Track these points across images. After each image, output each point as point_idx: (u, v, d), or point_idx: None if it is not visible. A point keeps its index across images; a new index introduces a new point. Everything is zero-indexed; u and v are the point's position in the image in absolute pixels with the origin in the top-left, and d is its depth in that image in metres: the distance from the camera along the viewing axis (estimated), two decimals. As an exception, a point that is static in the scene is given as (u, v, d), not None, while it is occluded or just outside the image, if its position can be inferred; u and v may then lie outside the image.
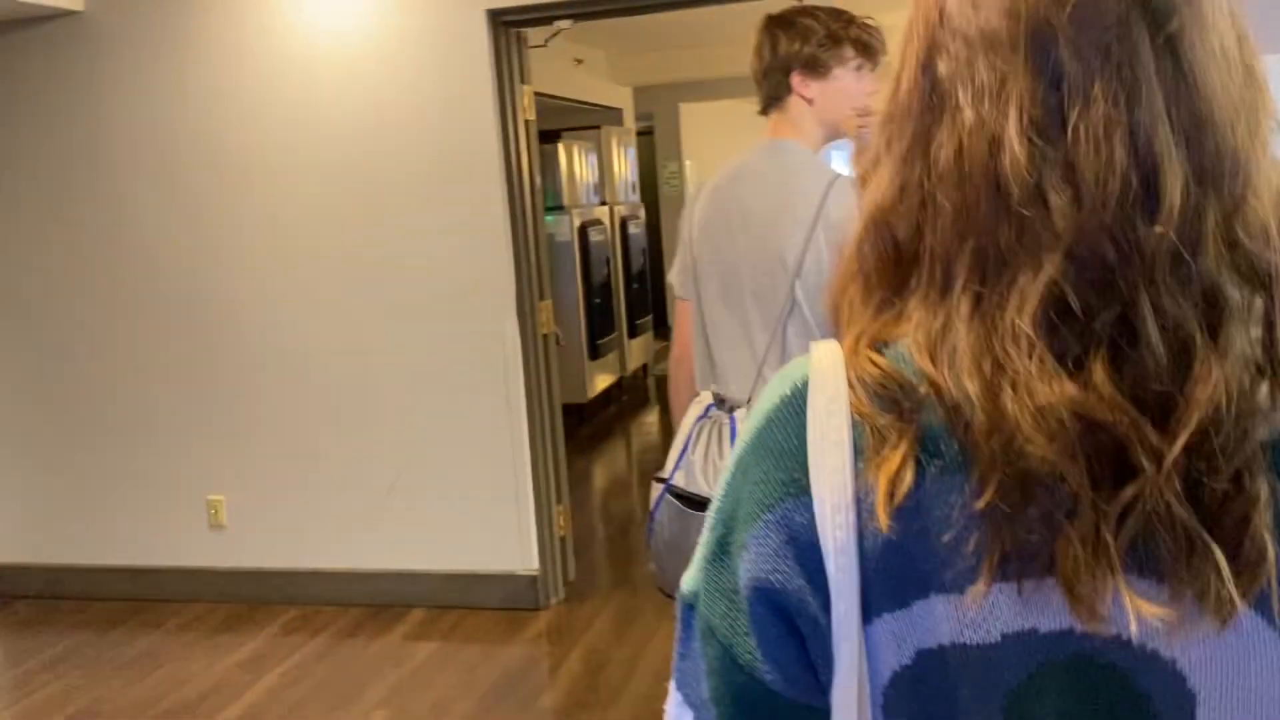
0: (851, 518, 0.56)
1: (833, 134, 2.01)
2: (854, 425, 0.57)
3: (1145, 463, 0.51)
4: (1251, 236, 0.54)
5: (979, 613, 0.55)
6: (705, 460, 1.93)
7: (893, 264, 0.60)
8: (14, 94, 4.08)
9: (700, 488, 1.91)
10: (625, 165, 8.22)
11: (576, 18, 3.69)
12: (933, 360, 0.56)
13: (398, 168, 3.84)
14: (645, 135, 10.74)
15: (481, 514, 3.89)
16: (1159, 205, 0.53)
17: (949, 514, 0.55)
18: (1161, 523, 0.51)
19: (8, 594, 4.33)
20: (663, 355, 9.63)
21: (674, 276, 2.16)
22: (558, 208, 6.83)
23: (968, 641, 0.56)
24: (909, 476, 0.55)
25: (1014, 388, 0.52)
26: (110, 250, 4.09)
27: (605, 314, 7.29)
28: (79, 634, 3.99)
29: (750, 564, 0.59)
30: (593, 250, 6.99)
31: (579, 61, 7.42)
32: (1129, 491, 0.52)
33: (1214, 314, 0.53)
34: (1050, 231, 0.53)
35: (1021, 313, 0.53)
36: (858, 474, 0.57)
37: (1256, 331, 0.53)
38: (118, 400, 4.16)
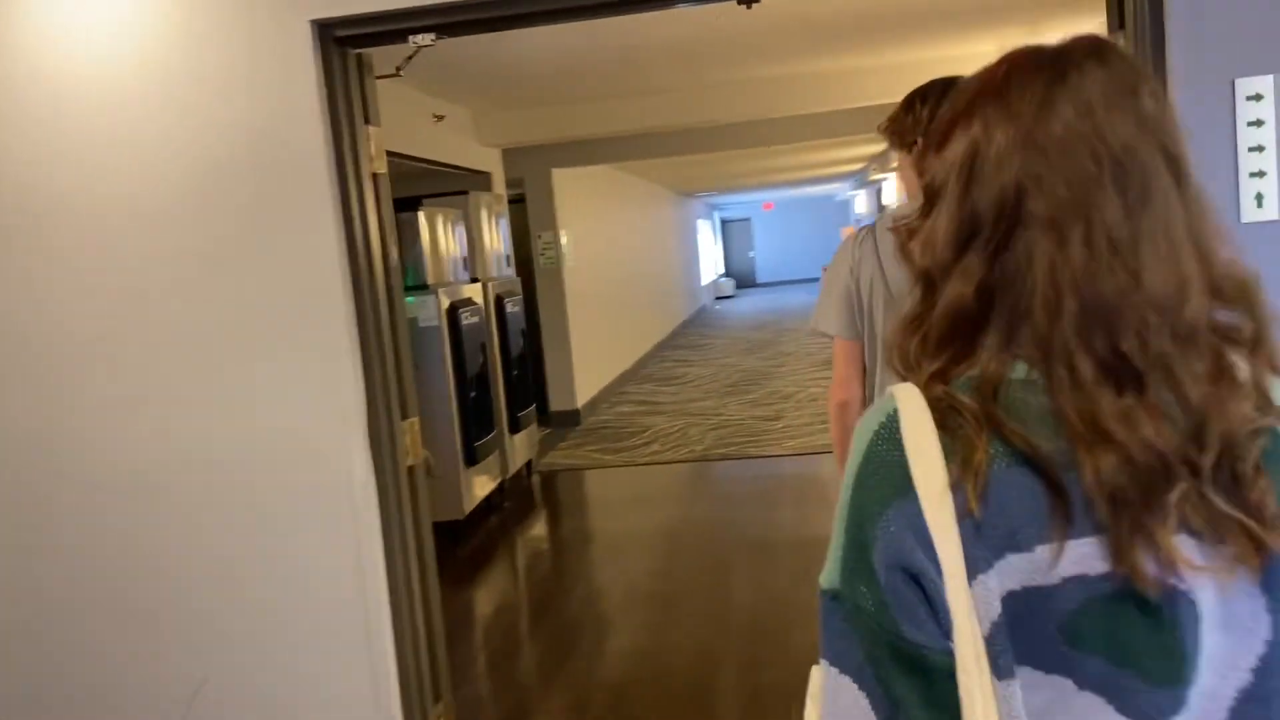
0: (949, 504, 0.81)
1: None
2: (942, 436, 0.83)
3: (1181, 473, 0.79)
4: (1226, 317, 0.84)
5: (1044, 566, 0.80)
6: None
7: (954, 338, 0.86)
8: None
9: None
10: (497, 236, 7.20)
11: (438, 31, 2.67)
12: (1010, 405, 0.82)
13: (197, 234, 2.73)
14: (515, 204, 9.77)
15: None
16: (1189, 294, 0.81)
17: (1009, 496, 0.80)
18: (1205, 509, 0.79)
19: None
20: (549, 446, 8.76)
21: (828, 322, 2.30)
22: (421, 287, 5.75)
23: (1039, 584, 0.80)
24: (984, 469, 0.80)
25: (1096, 434, 0.80)
26: None
27: (483, 410, 6.20)
28: None
29: (882, 550, 0.83)
30: (465, 335, 5.91)
31: (439, 118, 6.40)
32: (1176, 491, 0.79)
33: (1219, 365, 0.82)
34: (1117, 317, 0.82)
35: (1088, 378, 0.82)
36: (948, 472, 0.81)
37: (1247, 373, 0.83)
38: None
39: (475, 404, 6.03)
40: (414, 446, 2.95)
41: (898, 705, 0.83)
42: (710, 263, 26.85)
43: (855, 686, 0.85)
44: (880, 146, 14.75)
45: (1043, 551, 0.79)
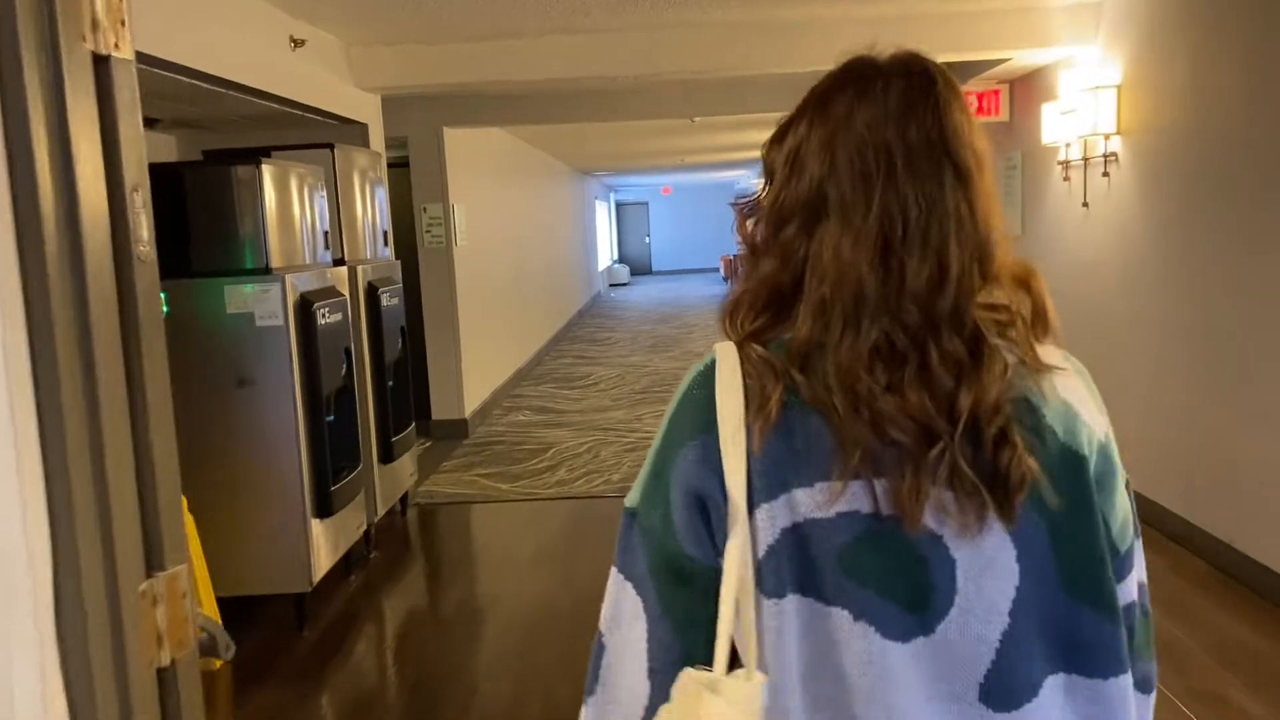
0: (741, 440, 0.96)
1: None
2: (745, 386, 0.97)
3: (941, 436, 0.93)
4: (997, 302, 0.99)
5: (821, 503, 0.95)
6: None
7: (769, 306, 1.01)
8: None
9: None
10: (373, 207, 5.58)
11: None
12: (804, 363, 0.97)
13: None
14: (396, 168, 8.12)
15: None
16: (945, 287, 0.95)
17: (799, 442, 0.95)
18: (954, 469, 0.93)
19: None
20: (431, 466, 6.95)
21: None
22: (261, 271, 4.13)
23: (816, 517, 0.95)
24: (775, 413, 0.95)
25: (878, 397, 0.94)
26: None
27: (344, 439, 4.61)
28: None
29: (678, 476, 0.99)
30: (322, 338, 4.32)
31: (298, 43, 4.76)
32: (934, 451, 0.93)
33: (979, 347, 0.96)
34: (883, 306, 0.95)
35: (864, 352, 0.95)
36: (746, 414, 0.96)
37: (1008, 351, 0.98)
38: None
39: (334, 432, 4.45)
40: (174, 626, 1.40)
41: (667, 610, 1.00)
42: (606, 248, 25.37)
43: (635, 592, 1.01)
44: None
45: (822, 488, 0.95)
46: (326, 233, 4.79)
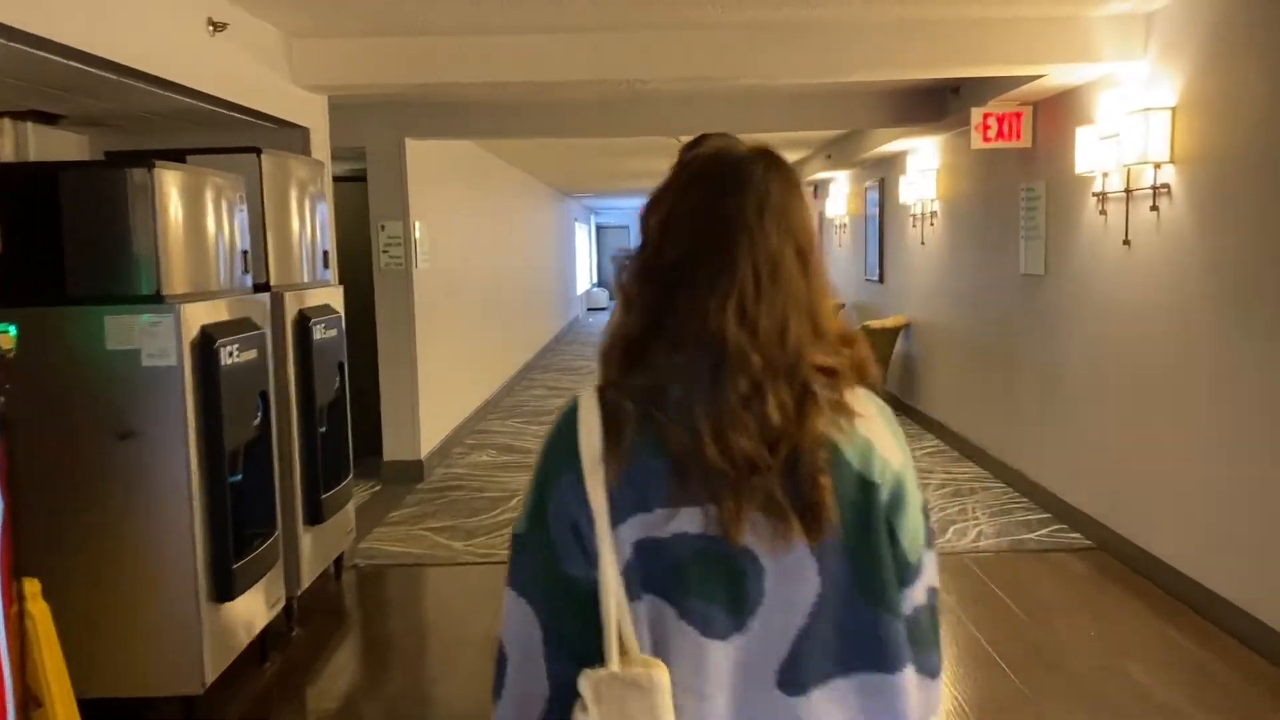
0: (600, 474, 1.13)
1: None
2: (604, 426, 1.14)
3: (763, 469, 1.11)
4: (826, 355, 1.16)
5: (662, 523, 1.12)
6: None
7: (631, 353, 1.18)
8: None
9: None
10: (312, 224, 4.82)
11: None
12: (659, 407, 1.13)
13: None
14: (353, 182, 7.37)
15: None
16: (786, 342, 1.13)
17: (647, 472, 1.13)
18: (769, 497, 1.11)
19: None
20: (377, 515, 5.88)
21: None
22: (151, 298, 3.36)
23: (658, 536, 1.13)
24: (627, 451, 1.13)
25: (716, 435, 1.11)
26: None
27: (255, 499, 3.83)
28: None
29: (553, 506, 1.16)
30: (228, 381, 3.55)
31: (218, 27, 4.00)
32: (756, 480, 1.11)
33: (806, 394, 1.14)
34: (737, 358, 1.12)
35: (708, 395, 1.13)
36: (605, 452, 1.13)
37: (830, 401, 1.15)
38: None
39: (241, 495, 3.67)
40: None
41: (555, 619, 1.16)
42: (584, 270, 24.64)
43: (526, 604, 1.17)
44: (794, 155, 12.89)
45: (662, 513, 1.13)
46: (246, 253, 4.02)
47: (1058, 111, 5.92)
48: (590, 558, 1.14)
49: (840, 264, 12.62)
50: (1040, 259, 6.13)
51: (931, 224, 8.48)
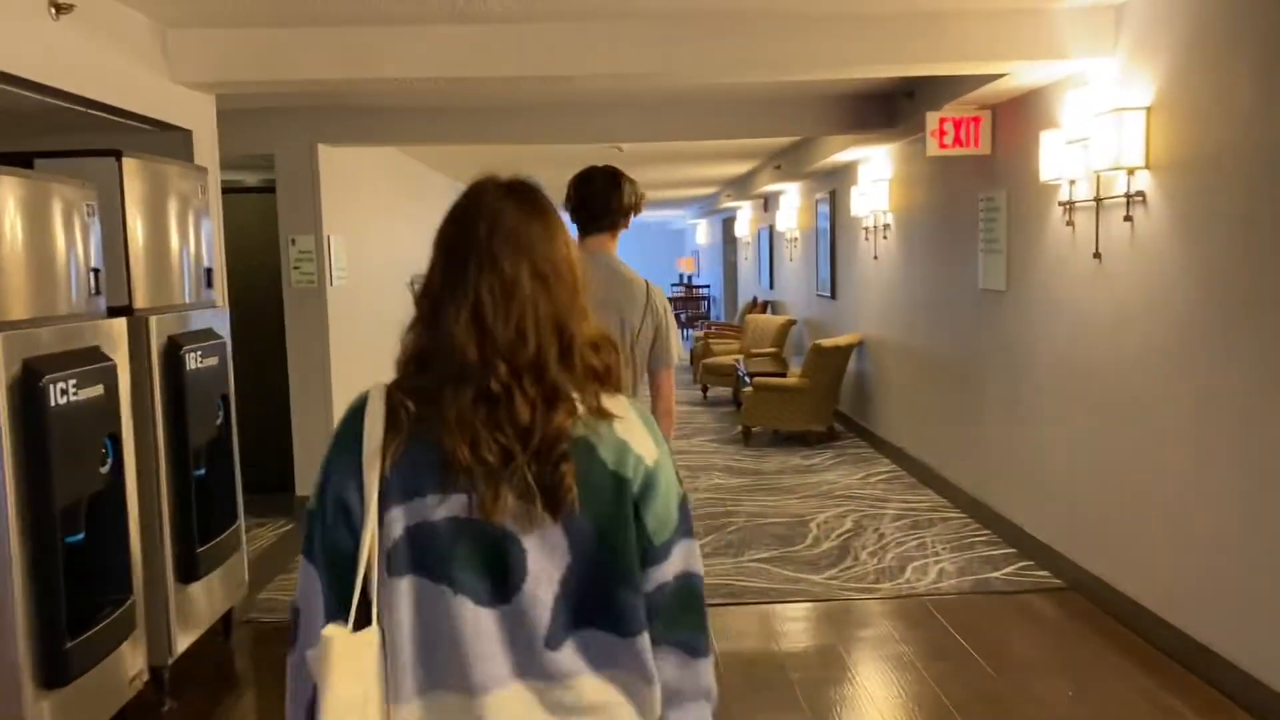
0: (377, 461, 1.31)
1: None
2: (387, 420, 1.33)
3: (519, 459, 1.30)
4: (575, 361, 1.35)
5: (432, 509, 1.31)
6: None
7: (415, 361, 1.37)
8: None
9: None
10: (194, 237, 4.25)
11: None
12: (432, 405, 1.32)
13: None
14: (260, 193, 6.81)
15: None
16: (525, 350, 1.32)
17: (419, 463, 1.31)
18: (523, 483, 1.30)
19: None
20: (283, 558, 4.76)
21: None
22: (-41, 327, 2.78)
23: (427, 520, 1.31)
24: (404, 442, 1.31)
25: (468, 431, 1.30)
26: None
27: (100, 562, 3.26)
28: None
29: (332, 486, 1.35)
30: (60, 423, 2.98)
31: (60, 9, 3.43)
32: (511, 469, 1.30)
33: (555, 394, 1.32)
34: (476, 367, 1.32)
35: (468, 396, 1.32)
36: (384, 443, 1.32)
37: (583, 399, 1.35)
38: None
39: (80, 559, 3.09)
40: None
41: (332, 584, 1.35)
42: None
43: (312, 569, 1.37)
44: (743, 168, 12.48)
45: (433, 499, 1.32)
46: (98, 272, 3.45)
47: (1019, 115, 5.51)
48: (356, 534, 1.33)
49: (790, 279, 12.20)
50: (1001, 273, 5.71)
51: (885, 237, 8.06)
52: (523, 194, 1.40)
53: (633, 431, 1.38)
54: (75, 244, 3.34)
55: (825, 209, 9.98)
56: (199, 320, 4.19)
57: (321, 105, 6.41)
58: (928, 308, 7.12)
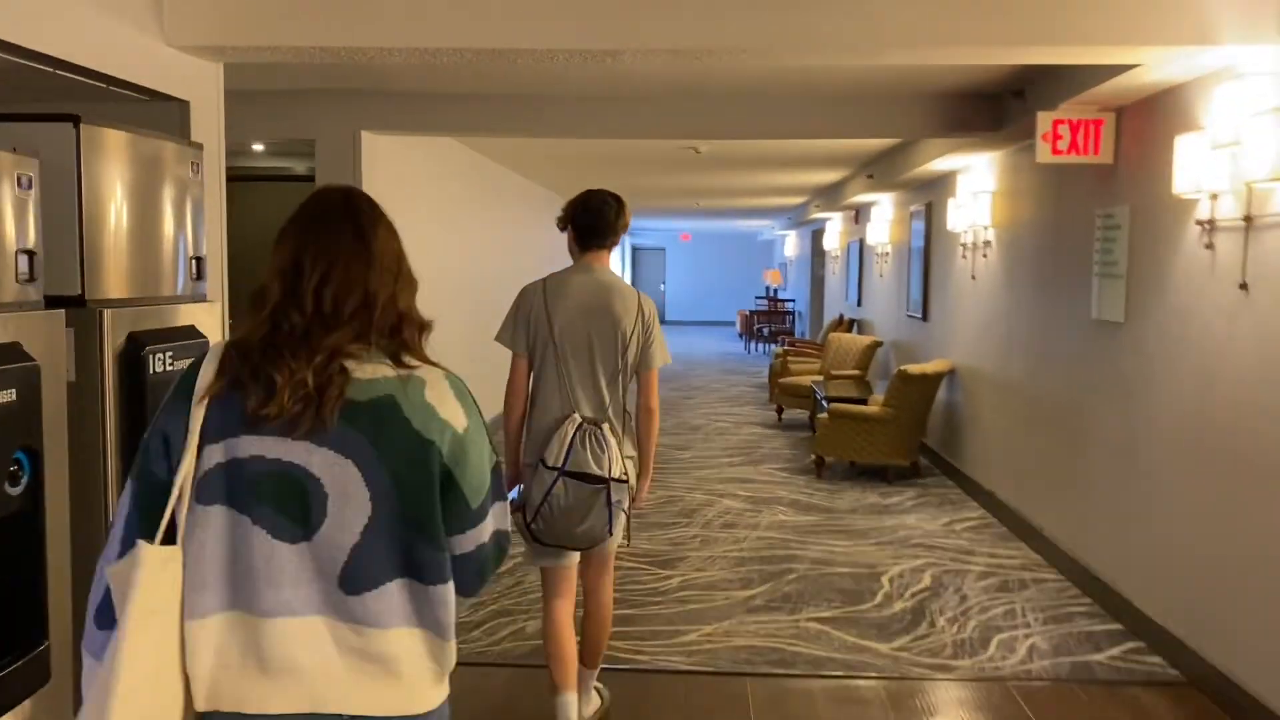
0: (203, 404, 1.50)
1: None
2: (216, 370, 1.54)
3: (302, 373, 1.52)
4: (374, 318, 1.58)
5: (243, 447, 1.49)
6: (589, 452, 3.24)
7: (253, 313, 1.59)
8: None
9: (591, 469, 3.23)
10: (182, 220, 3.72)
11: None
12: (250, 358, 1.53)
13: None
14: (307, 182, 6.31)
15: None
16: (325, 296, 1.56)
17: (234, 404, 1.50)
18: (301, 386, 1.50)
19: None
20: None
21: (507, 338, 3.49)
22: None
23: (236, 456, 1.49)
24: (221, 388, 1.51)
25: (257, 357, 1.53)
26: None
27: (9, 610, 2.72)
28: None
29: (161, 418, 1.55)
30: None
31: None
32: (294, 382, 1.50)
33: (341, 328, 1.57)
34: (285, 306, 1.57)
35: (266, 333, 1.57)
36: (209, 387, 1.52)
37: (385, 354, 1.59)
38: None
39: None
40: None
41: (141, 503, 1.53)
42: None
43: (131, 488, 1.56)
44: (833, 175, 11.71)
45: (243, 439, 1.50)
46: (32, 254, 2.93)
47: (1149, 117, 4.70)
48: (172, 465, 1.51)
49: (879, 297, 11.41)
50: (1119, 303, 4.90)
51: (984, 255, 7.25)
52: (352, 190, 1.70)
53: (444, 400, 1.57)
54: (12, 221, 2.82)
55: (920, 223, 9.18)
56: (184, 316, 3.65)
57: (365, 89, 5.90)
58: (1031, 337, 6.30)
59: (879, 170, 9.46)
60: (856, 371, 10.16)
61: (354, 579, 1.47)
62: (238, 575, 1.47)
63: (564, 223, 3.49)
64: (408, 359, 1.56)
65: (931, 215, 8.86)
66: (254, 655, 1.47)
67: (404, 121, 6.10)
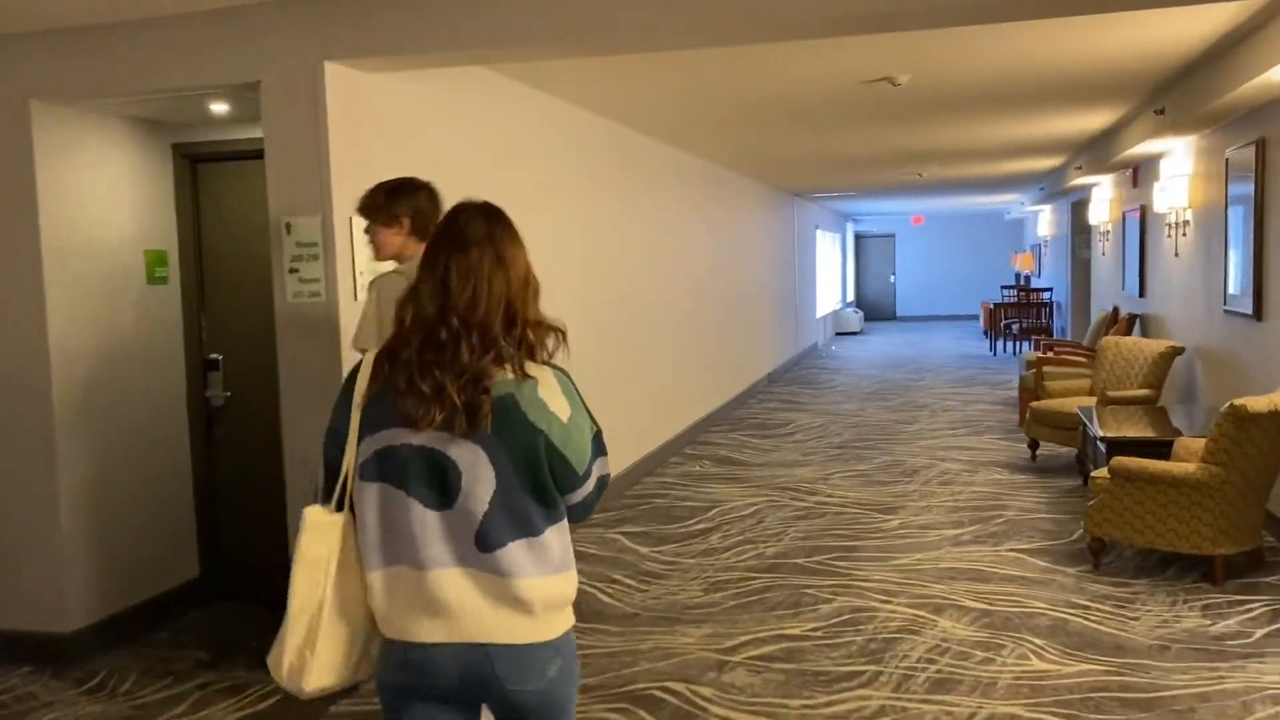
0: (360, 402, 1.93)
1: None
2: (370, 373, 1.93)
3: (449, 389, 1.85)
4: (516, 332, 1.92)
5: (394, 438, 1.89)
6: None
7: (401, 326, 1.95)
8: None
9: None
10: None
11: None
12: (391, 363, 1.91)
13: None
14: (248, 159, 4.24)
15: None
16: (476, 312, 1.89)
17: (386, 404, 1.89)
18: (450, 402, 1.84)
19: None
20: None
21: (368, 342, 3.18)
22: None
23: (392, 445, 1.89)
24: (374, 389, 1.92)
25: (410, 370, 1.87)
26: None
27: None
28: None
29: (333, 420, 2.02)
30: None
31: None
32: (442, 396, 1.84)
33: (491, 347, 1.88)
34: (436, 317, 1.93)
35: (419, 342, 1.92)
36: (366, 388, 1.93)
37: (513, 363, 1.89)
38: None
39: None
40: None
41: (325, 478, 2.00)
42: (832, 289, 20.71)
43: (323, 464, 2.02)
44: (1100, 119, 8.62)
45: (394, 430, 1.87)
46: None
47: None
48: (340, 451, 1.97)
49: (1174, 284, 8.28)
50: None
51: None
52: (490, 208, 1.99)
53: (553, 395, 1.90)
54: None
55: (1243, 174, 6.12)
56: None
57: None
58: None
59: (1173, 101, 6.46)
60: (1146, 391, 7.16)
61: (487, 540, 1.87)
62: (400, 537, 1.89)
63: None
64: (529, 366, 1.90)
65: (1265, 158, 5.81)
66: (419, 598, 1.89)
67: (385, 41, 3.86)
